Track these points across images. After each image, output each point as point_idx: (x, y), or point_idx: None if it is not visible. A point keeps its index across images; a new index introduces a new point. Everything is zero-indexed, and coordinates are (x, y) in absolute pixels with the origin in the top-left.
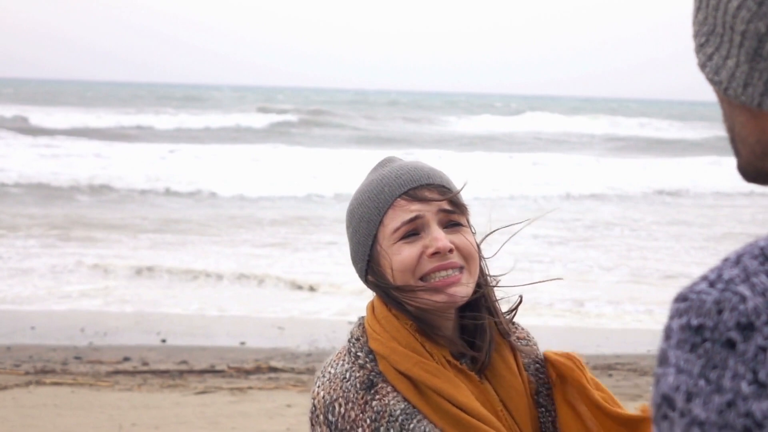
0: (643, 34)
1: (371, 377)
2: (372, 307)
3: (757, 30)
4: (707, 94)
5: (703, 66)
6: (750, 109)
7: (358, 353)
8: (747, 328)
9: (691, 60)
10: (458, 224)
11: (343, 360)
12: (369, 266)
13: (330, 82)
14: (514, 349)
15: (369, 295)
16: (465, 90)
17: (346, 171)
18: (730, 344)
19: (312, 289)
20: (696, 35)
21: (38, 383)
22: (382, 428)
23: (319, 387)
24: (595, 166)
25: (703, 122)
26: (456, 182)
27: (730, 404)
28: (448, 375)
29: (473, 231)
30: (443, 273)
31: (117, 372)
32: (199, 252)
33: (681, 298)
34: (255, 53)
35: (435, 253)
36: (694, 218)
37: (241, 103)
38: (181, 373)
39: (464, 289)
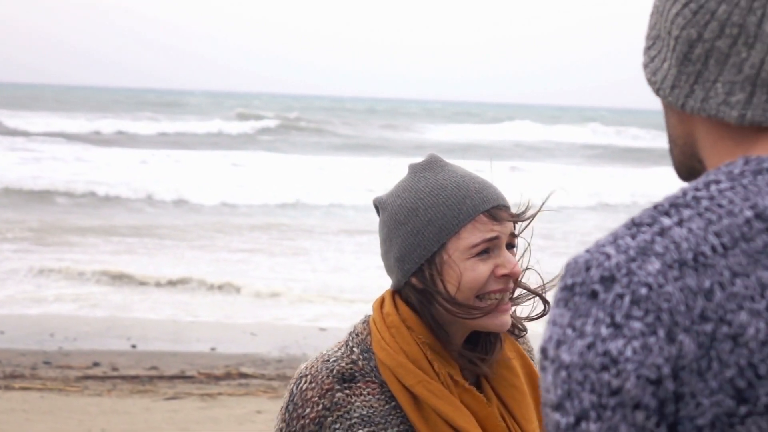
0: (618, 48)
1: (354, 373)
2: (382, 312)
3: (689, 36)
4: None
5: (645, 66)
6: (678, 111)
7: (354, 348)
8: (608, 280)
9: None
10: (513, 246)
11: (339, 348)
12: (420, 270)
13: (305, 89)
14: (520, 353)
15: (340, 304)
16: (441, 98)
17: (327, 178)
18: (594, 295)
19: (285, 295)
20: (646, 38)
21: (7, 388)
22: (329, 419)
23: (307, 362)
24: (576, 174)
25: None
26: None
27: (590, 346)
28: (451, 398)
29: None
30: (501, 296)
31: (86, 377)
32: (174, 257)
33: (565, 265)
34: (228, 58)
35: (503, 275)
36: None
37: (219, 109)
38: (151, 378)
39: (509, 320)
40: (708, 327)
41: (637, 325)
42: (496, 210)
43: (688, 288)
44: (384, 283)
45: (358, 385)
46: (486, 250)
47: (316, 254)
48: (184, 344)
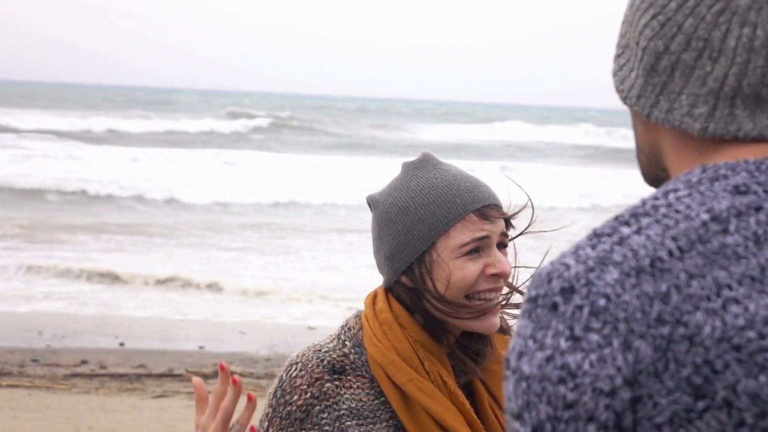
0: (609, 49)
1: (345, 366)
2: (374, 308)
3: (656, 47)
4: None
5: (614, 74)
6: (644, 120)
7: (346, 342)
8: (568, 291)
9: None
10: (505, 246)
11: (332, 340)
12: (410, 268)
13: (295, 87)
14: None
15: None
16: (431, 98)
17: (319, 177)
18: (554, 307)
19: (274, 294)
20: (617, 46)
21: None
22: (317, 407)
23: (299, 350)
24: (567, 175)
25: None
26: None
27: (549, 359)
28: (441, 397)
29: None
30: (492, 295)
31: (74, 375)
32: (164, 256)
33: (531, 276)
34: (219, 57)
35: (493, 275)
36: None
37: (210, 107)
38: (139, 376)
39: (498, 321)
40: (665, 330)
41: (594, 337)
42: (486, 209)
43: (645, 294)
44: (375, 282)
45: (348, 378)
46: (476, 249)
47: (307, 253)
48: (172, 342)
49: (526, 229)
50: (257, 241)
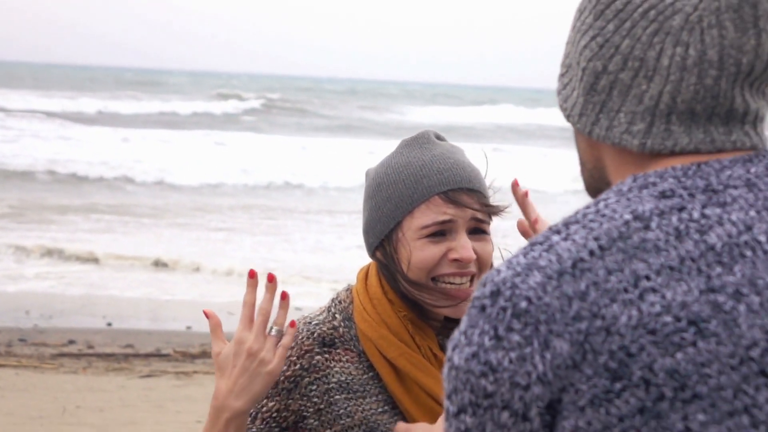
0: None
1: (334, 339)
2: (365, 283)
3: (595, 67)
4: None
5: (558, 93)
6: (586, 137)
7: (336, 315)
8: (495, 294)
9: None
10: (483, 232)
11: (321, 312)
12: (381, 245)
13: (282, 69)
14: None
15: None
16: (418, 80)
17: (310, 159)
18: (483, 308)
19: (262, 275)
20: (561, 65)
21: None
22: (306, 379)
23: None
24: (558, 157)
25: None
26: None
27: (474, 354)
28: (433, 370)
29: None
30: (458, 280)
31: (62, 355)
32: (153, 236)
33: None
34: (205, 37)
35: (456, 259)
36: None
37: (199, 89)
38: (127, 356)
39: (465, 307)
40: (582, 325)
41: (515, 337)
42: (455, 193)
43: (565, 295)
44: (365, 263)
45: (338, 351)
46: (441, 232)
47: (297, 234)
48: (159, 323)
49: (494, 209)
50: (247, 222)
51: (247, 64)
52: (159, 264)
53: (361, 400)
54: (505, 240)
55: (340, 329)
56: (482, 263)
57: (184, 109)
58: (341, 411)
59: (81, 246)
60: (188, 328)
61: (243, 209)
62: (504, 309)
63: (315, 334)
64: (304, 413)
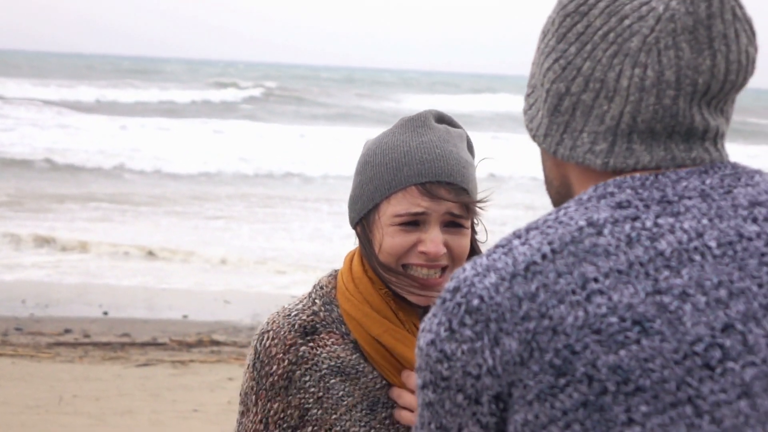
0: None
1: (316, 324)
2: (350, 263)
3: (558, 89)
4: None
5: (524, 113)
6: (553, 156)
7: (316, 300)
8: (455, 291)
9: None
10: (459, 225)
11: (301, 301)
12: (361, 222)
13: (279, 57)
14: None
15: (313, 271)
16: (415, 68)
17: (308, 147)
18: (444, 301)
19: (258, 263)
20: (527, 86)
21: None
22: (297, 372)
23: (269, 316)
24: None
25: None
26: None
27: (432, 341)
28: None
29: (476, 226)
30: (425, 271)
31: (58, 344)
32: (150, 225)
33: None
34: (201, 25)
35: (424, 252)
36: None
37: (196, 77)
38: (123, 345)
39: (436, 294)
40: (530, 325)
41: (467, 332)
42: (432, 186)
43: (515, 296)
44: None
45: (321, 336)
46: (415, 222)
47: (295, 223)
48: (156, 311)
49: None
50: (245, 211)
51: (242, 52)
52: (155, 253)
53: (356, 380)
54: (503, 228)
55: (321, 313)
56: (455, 256)
57: (182, 97)
58: (341, 393)
59: (77, 235)
60: (185, 316)
61: (241, 197)
62: (459, 305)
63: (296, 326)
64: (306, 405)
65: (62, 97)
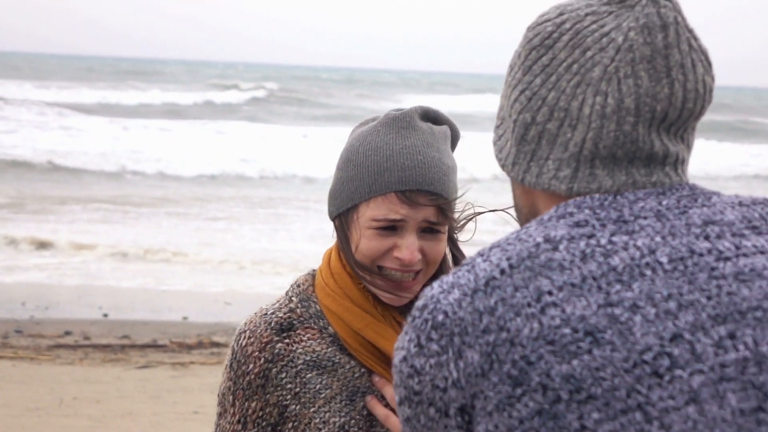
0: None
1: (292, 321)
2: (329, 259)
3: (525, 120)
4: None
5: (494, 143)
6: (520, 184)
7: (293, 298)
8: (423, 308)
9: None
10: (436, 231)
11: (278, 301)
12: (339, 217)
13: (278, 58)
14: None
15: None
16: (414, 68)
17: (311, 148)
18: (413, 318)
19: (259, 264)
20: (496, 117)
21: None
22: (274, 370)
23: (247, 317)
24: None
25: None
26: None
27: (403, 359)
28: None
29: (456, 231)
30: (399, 274)
31: (58, 346)
32: (150, 226)
33: None
34: (200, 26)
35: (399, 258)
36: None
37: (196, 79)
38: (123, 347)
39: (409, 295)
40: (490, 338)
41: (434, 346)
42: (412, 194)
43: (477, 310)
44: None
45: (297, 332)
46: (393, 227)
47: (297, 224)
48: (156, 313)
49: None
50: (246, 212)
51: (241, 52)
52: (156, 254)
53: (333, 372)
54: (505, 228)
55: (298, 310)
56: (430, 261)
57: (184, 99)
58: (318, 386)
59: (78, 237)
60: (185, 318)
61: (242, 199)
62: (426, 321)
63: (272, 324)
64: (284, 402)
65: (63, 98)
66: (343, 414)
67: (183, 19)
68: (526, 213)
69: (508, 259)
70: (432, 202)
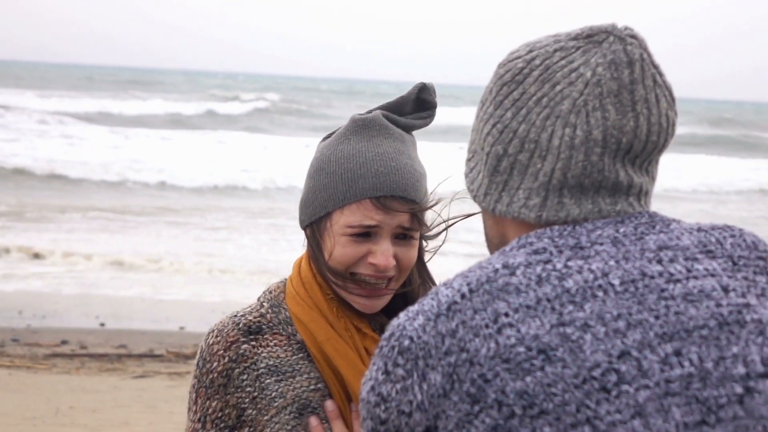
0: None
1: (261, 325)
2: (299, 268)
3: (497, 151)
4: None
5: (465, 176)
6: (491, 214)
7: (264, 303)
8: (390, 336)
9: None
10: (409, 237)
11: (250, 305)
12: (311, 225)
13: (278, 68)
14: None
15: None
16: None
17: (310, 159)
18: (381, 348)
19: (256, 274)
20: (467, 150)
21: None
22: (236, 370)
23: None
24: None
25: None
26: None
27: (371, 388)
28: (355, 361)
29: (427, 237)
30: (374, 280)
31: (55, 355)
32: (148, 236)
33: None
34: (201, 36)
35: (374, 264)
36: None
37: (196, 88)
38: (120, 356)
39: (381, 303)
40: (452, 359)
41: (400, 371)
42: (387, 200)
43: (440, 333)
44: None
45: (265, 336)
46: (367, 234)
47: (298, 235)
48: (153, 323)
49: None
50: (246, 222)
51: (241, 63)
52: (154, 263)
53: (291, 379)
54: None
55: (268, 315)
56: (403, 268)
57: (186, 109)
58: (273, 394)
59: (77, 246)
60: (181, 328)
61: (243, 209)
62: (393, 347)
63: (240, 325)
64: (242, 405)
65: (65, 107)
66: (289, 428)
67: (182, 30)
68: (496, 243)
69: (468, 284)
70: (406, 208)
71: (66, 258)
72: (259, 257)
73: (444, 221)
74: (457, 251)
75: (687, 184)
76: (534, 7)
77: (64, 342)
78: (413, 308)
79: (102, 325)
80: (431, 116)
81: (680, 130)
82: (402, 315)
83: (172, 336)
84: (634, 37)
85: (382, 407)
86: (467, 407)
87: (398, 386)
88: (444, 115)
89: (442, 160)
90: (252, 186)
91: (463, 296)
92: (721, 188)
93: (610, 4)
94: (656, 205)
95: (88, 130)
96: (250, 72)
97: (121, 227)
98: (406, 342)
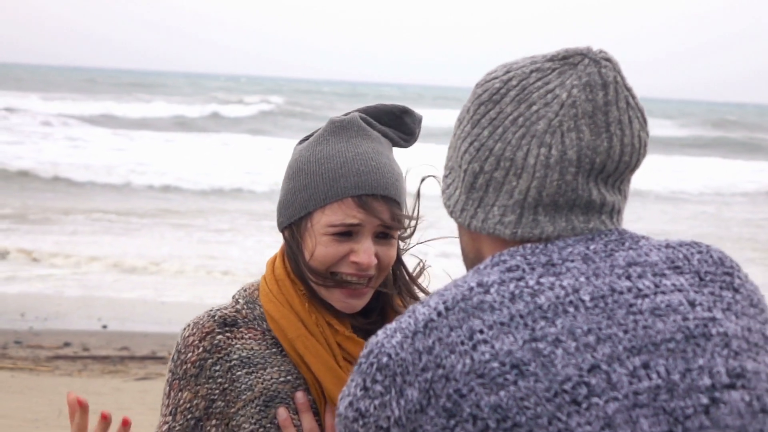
0: (601, 33)
1: (237, 319)
2: (273, 266)
3: (474, 169)
4: (660, 90)
5: (443, 192)
6: (467, 230)
7: (239, 300)
8: (369, 353)
9: (652, 63)
10: (389, 236)
11: (227, 303)
12: (290, 227)
13: (280, 71)
14: None
15: None
16: (417, 82)
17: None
18: (359, 365)
19: (258, 276)
20: (444, 167)
21: None
22: (209, 360)
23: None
24: None
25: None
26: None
27: (349, 404)
28: (325, 357)
29: (405, 239)
30: (355, 279)
31: (57, 357)
32: (150, 238)
33: None
34: (203, 39)
35: (356, 263)
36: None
37: (199, 91)
38: (122, 359)
39: (361, 303)
40: (428, 375)
41: (378, 387)
42: (368, 198)
43: (417, 350)
44: None
45: (240, 330)
46: (348, 233)
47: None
48: (155, 325)
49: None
50: (250, 224)
51: (243, 66)
52: (157, 265)
53: (261, 371)
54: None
55: (243, 311)
56: (382, 266)
57: (189, 111)
58: (243, 386)
59: (80, 248)
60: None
61: (247, 211)
62: (372, 364)
63: (216, 317)
64: (212, 396)
65: (68, 110)
66: (253, 421)
67: (183, 33)
68: (472, 258)
69: (444, 302)
70: (386, 207)
71: (69, 260)
72: (262, 260)
73: (415, 219)
74: (457, 252)
75: (692, 186)
76: (535, 11)
77: (66, 344)
78: (391, 326)
79: (104, 327)
80: (409, 142)
81: (684, 132)
82: (380, 332)
83: (175, 338)
84: (608, 60)
85: (360, 422)
86: (443, 422)
87: (376, 402)
88: (446, 117)
89: (442, 161)
90: (256, 188)
91: (439, 314)
92: (727, 190)
93: (611, 8)
94: (662, 207)
95: (92, 132)
96: (251, 74)
97: (124, 230)
98: (385, 359)
